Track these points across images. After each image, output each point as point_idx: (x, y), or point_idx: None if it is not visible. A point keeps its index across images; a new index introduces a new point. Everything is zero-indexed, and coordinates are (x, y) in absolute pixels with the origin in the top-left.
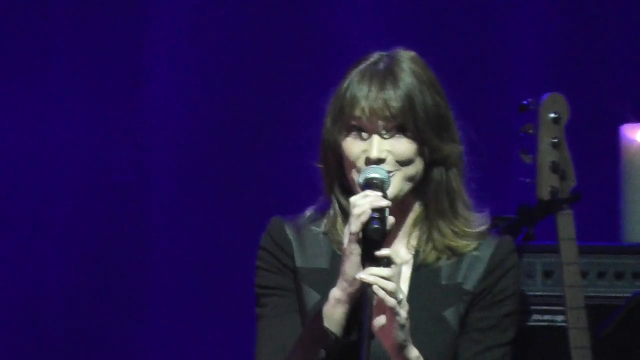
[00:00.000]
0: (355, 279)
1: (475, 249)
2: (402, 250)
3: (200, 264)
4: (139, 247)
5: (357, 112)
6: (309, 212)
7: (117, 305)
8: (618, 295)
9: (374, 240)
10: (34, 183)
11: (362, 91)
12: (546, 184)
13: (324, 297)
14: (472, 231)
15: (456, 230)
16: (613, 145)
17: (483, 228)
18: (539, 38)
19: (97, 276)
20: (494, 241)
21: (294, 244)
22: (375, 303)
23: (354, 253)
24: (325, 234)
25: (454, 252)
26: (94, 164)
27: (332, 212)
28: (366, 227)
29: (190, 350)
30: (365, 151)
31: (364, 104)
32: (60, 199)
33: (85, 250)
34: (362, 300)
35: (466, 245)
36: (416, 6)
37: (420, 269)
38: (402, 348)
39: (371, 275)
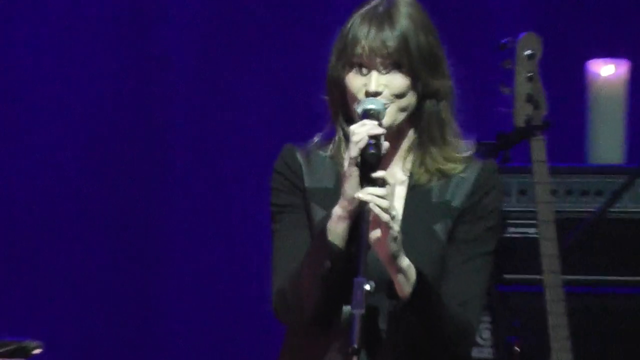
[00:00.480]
0: (354, 198)
1: (462, 171)
2: (398, 172)
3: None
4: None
5: (358, 50)
6: (316, 138)
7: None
8: (583, 210)
9: (370, 163)
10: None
11: (362, 31)
12: (521, 113)
13: (329, 213)
14: (459, 156)
15: (445, 155)
16: (580, 78)
17: (469, 153)
18: None
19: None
20: (479, 164)
21: (303, 167)
22: (371, 218)
23: (352, 175)
24: (330, 157)
25: (443, 174)
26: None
27: (336, 138)
28: (363, 151)
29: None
30: (364, 85)
31: (364, 42)
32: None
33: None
34: (360, 216)
35: (454, 167)
36: None
37: (413, 189)
38: (394, 257)
39: (367, 194)
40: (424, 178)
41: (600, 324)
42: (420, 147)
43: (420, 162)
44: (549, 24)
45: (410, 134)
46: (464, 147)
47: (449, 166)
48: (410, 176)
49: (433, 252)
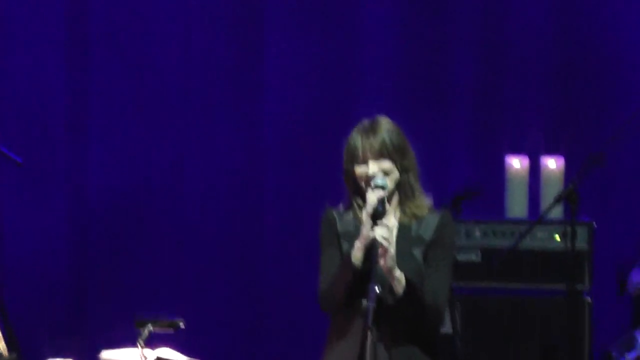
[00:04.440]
0: (367, 236)
1: (428, 216)
2: (391, 219)
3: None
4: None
5: (359, 153)
6: (341, 206)
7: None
8: (503, 245)
9: (378, 215)
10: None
11: (359, 140)
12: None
13: (351, 246)
14: (424, 207)
15: (416, 206)
16: (500, 166)
17: (429, 204)
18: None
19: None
20: (439, 212)
21: (337, 220)
22: (379, 249)
23: (367, 223)
24: (352, 216)
25: (416, 218)
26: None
27: (353, 206)
28: (374, 209)
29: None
30: (365, 172)
31: (361, 147)
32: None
33: None
34: (372, 247)
35: (422, 214)
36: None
37: (400, 229)
38: (391, 270)
39: (377, 233)
40: (405, 220)
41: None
42: (401, 204)
43: (402, 211)
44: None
45: (395, 196)
46: (427, 202)
47: (418, 213)
48: (399, 221)
49: (412, 267)
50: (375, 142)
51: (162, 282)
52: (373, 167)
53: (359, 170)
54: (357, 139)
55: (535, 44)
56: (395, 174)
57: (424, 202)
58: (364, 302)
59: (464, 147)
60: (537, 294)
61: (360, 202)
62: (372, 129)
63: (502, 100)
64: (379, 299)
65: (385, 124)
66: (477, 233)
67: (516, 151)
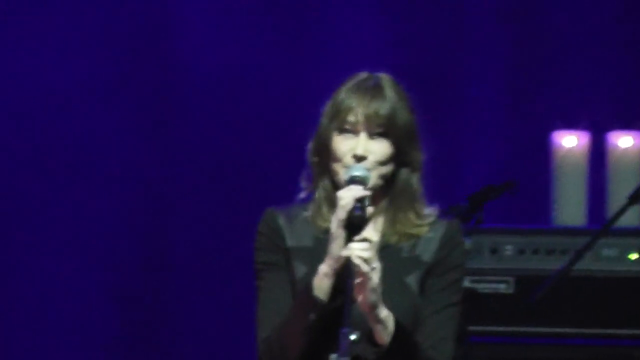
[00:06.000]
0: (339, 257)
1: (429, 231)
2: (374, 232)
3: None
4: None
5: (351, 117)
6: (297, 202)
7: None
8: (548, 268)
9: (356, 224)
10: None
11: (356, 100)
12: None
13: (310, 269)
14: (423, 224)
15: (412, 221)
16: (544, 147)
17: (432, 218)
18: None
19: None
20: (444, 223)
21: (284, 229)
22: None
23: (339, 236)
24: (311, 217)
25: (411, 236)
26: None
27: (316, 198)
28: (350, 214)
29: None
30: (352, 149)
31: (358, 110)
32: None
33: None
34: (346, 273)
35: (420, 230)
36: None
37: (384, 248)
38: (374, 307)
39: (354, 251)
40: (393, 239)
41: None
42: (391, 211)
43: (390, 225)
44: (519, 98)
45: (384, 199)
46: (429, 214)
47: (415, 230)
48: (382, 236)
49: (406, 303)
50: (379, 108)
51: None
52: (365, 144)
53: (343, 144)
54: (350, 97)
55: None
56: (389, 167)
57: (423, 217)
58: (333, 356)
59: (489, 121)
60: (603, 343)
61: (329, 192)
62: (376, 90)
63: (544, 57)
64: (356, 352)
65: (393, 89)
66: (509, 251)
67: (570, 126)
